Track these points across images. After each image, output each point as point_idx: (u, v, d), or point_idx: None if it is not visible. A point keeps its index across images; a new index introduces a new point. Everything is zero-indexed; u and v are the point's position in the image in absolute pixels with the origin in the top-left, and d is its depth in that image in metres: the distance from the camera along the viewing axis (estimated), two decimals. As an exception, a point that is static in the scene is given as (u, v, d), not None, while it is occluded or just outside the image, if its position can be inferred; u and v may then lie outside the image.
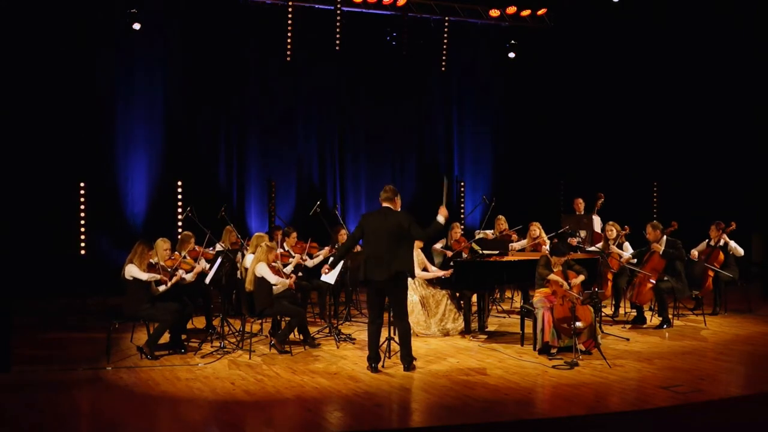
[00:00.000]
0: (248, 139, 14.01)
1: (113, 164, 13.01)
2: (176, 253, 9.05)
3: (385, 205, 7.57)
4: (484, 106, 15.81)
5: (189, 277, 8.72)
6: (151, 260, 8.35)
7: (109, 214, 12.87)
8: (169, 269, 8.45)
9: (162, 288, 8.27)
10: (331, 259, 8.52)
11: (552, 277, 8.30)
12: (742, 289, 11.00)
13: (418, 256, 9.33)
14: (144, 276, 8.03)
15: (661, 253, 9.65)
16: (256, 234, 9.13)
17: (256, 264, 8.31)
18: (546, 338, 8.09)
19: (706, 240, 10.90)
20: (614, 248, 10.29)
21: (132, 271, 8.04)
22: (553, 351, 8.10)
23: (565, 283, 8.20)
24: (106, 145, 12.97)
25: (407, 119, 15.34)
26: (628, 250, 10.35)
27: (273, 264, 8.50)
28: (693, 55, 14.47)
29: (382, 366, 7.61)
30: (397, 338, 7.67)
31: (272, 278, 8.28)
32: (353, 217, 14.25)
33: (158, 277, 8.16)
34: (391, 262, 7.33)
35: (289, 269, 9.26)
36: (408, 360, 7.50)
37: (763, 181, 14.06)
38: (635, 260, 10.14)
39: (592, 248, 10.30)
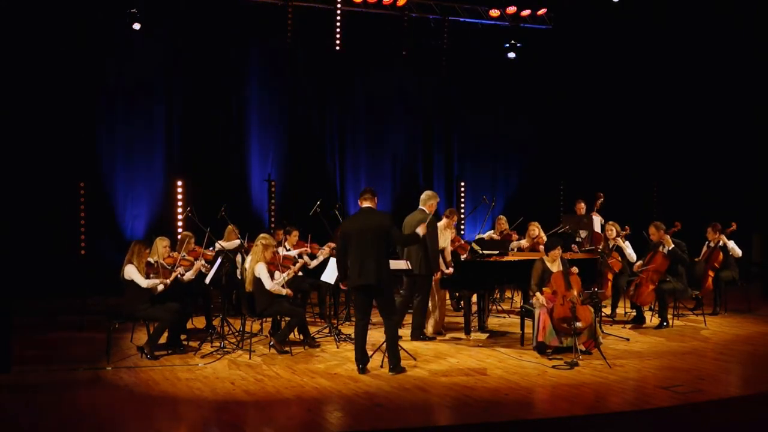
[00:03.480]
0: (248, 139, 14.01)
1: (113, 164, 13.01)
2: (175, 252, 9.05)
3: (366, 205, 7.60)
4: (484, 106, 15.79)
5: (189, 275, 8.70)
6: (150, 259, 8.36)
7: (109, 214, 12.88)
8: (168, 267, 8.44)
9: (161, 287, 8.26)
10: (334, 260, 8.58)
11: (537, 298, 8.26)
12: (742, 289, 11.01)
13: (446, 235, 9.35)
14: (144, 283, 8.02)
15: (669, 249, 9.62)
16: (261, 235, 9.11)
17: (254, 264, 8.32)
18: (540, 338, 8.08)
19: (706, 243, 10.91)
20: (626, 250, 10.27)
21: (131, 273, 8.03)
22: (549, 351, 8.10)
23: (546, 303, 8.16)
24: (107, 146, 12.97)
25: (407, 119, 15.34)
26: (627, 249, 10.34)
27: (272, 262, 8.49)
28: (693, 55, 14.47)
29: (381, 365, 7.60)
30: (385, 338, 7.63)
31: (268, 283, 8.26)
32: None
33: (158, 281, 8.15)
34: (378, 266, 7.33)
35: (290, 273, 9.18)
36: (394, 361, 7.44)
37: (763, 181, 14.07)
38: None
39: (596, 248, 10.31)
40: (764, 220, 13.67)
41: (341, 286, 8.08)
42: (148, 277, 8.13)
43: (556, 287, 8.20)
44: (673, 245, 9.64)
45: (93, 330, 9.50)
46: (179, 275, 8.51)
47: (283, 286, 8.43)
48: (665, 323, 9.69)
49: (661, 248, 9.73)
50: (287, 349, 8.29)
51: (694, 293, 10.26)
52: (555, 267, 8.38)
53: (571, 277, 8.25)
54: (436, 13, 15.02)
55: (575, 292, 8.09)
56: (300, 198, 13.89)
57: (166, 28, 13.17)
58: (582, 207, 12.04)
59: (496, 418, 6.13)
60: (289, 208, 13.77)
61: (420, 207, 8.90)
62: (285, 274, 8.56)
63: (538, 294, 8.28)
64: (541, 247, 10.62)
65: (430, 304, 9.25)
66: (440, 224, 9.22)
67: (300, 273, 9.82)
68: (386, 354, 7.68)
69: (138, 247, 8.18)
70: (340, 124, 14.77)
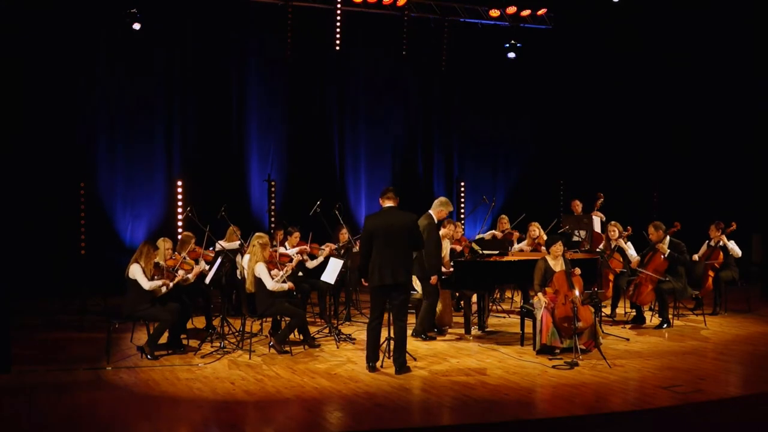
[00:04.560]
0: (248, 139, 14.02)
1: (114, 164, 13.01)
2: (177, 253, 9.06)
3: (388, 204, 7.57)
4: (484, 106, 15.80)
5: (190, 277, 8.71)
6: (157, 260, 8.37)
7: (110, 214, 12.89)
8: (171, 269, 8.45)
9: (164, 289, 8.26)
10: (334, 260, 8.60)
11: (539, 299, 8.24)
12: (742, 289, 11.00)
13: (445, 245, 9.43)
14: (147, 285, 8.01)
15: (666, 255, 9.64)
16: (256, 234, 9.12)
17: (254, 264, 8.31)
18: (543, 340, 8.08)
19: (706, 241, 10.91)
20: (628, 251, 10.27)
21: (136, 273, 8.02)
22: (557, 351, 8.09)
23: (548, 303, 8.15)
24: (107, 145, 12.98)
25: (407, 119, 15.34)
26: (629, 250, 10.34)
27: (270, 260, 8.49)
28: (693, 54, 14.47)
29: (381, 365, 7.61)
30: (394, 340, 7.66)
31: (270, 282, 8.25)
32: (353, 216, 14.26)
33: (160, 283, 8.13)
34: (405, 265, 7.39)
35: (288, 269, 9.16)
36: (399, 362, 7.47)
37: (763, 181, 14.06)
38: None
39: (598, 248, 10.31)
40: (764, 220, 13.67)
41: (363, 283, 8.02)
42: (153, 278, 8.13)
43: (558, 287, 8.19)
44: (668, 251, 9.63)
45: (93, 330, 9.51)
46: (183, 279, 8.51)
47: (283, 281, 8.43)
48: (666, 323, 9.68)
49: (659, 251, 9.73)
50: (287, 349, 8.29)
51: (694, 293, 10.26)
52: (558, 266, 8.36)
53: (574, 278, 8.24)
54: (436, 13, 15.02)
55: (577, 293, 8.08)
56: (300, 198, 13.91)
57: (167, 28, 13.17)
58: (578, 205, 12.04)
59: (496, 418, 6.13)
60: (289, 208, 13.78)
61: (429, 211, 8.95)
62: (284, 271, 8.56)
63: (540, 294, 8.27)
64: (543, 247, 10.66)
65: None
66: (441, 232, 9.22)
67: (300, 273, 9.83)
68: (389, 354, 7.70)
69: (147, 248, 8.18)
70: (340, 124, 14.77)
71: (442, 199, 9.14)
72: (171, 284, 8.26)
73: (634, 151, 15.41)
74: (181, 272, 8.52)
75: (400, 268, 7.34)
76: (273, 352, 8.32)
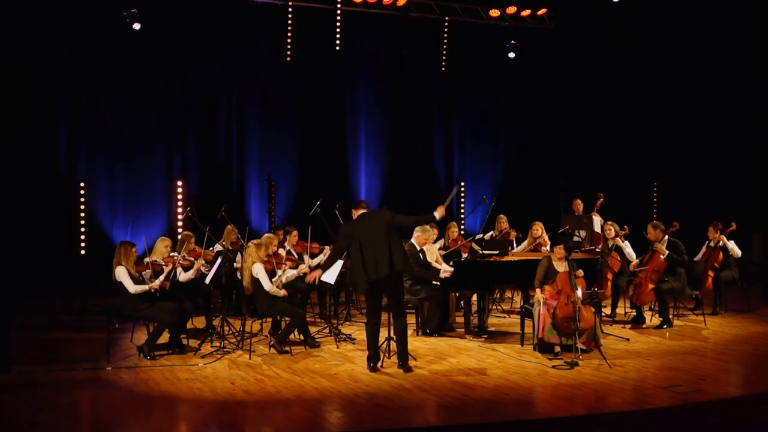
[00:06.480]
0: (248, 139, 14.01)
1: (114, 164, 13.00)
2: (175, 253, 9.04)
3: (361, 211, 7.71)
4: (484, 106, 15.80)
5: (188, 274, 8.67)
6: (146, 259, 8.33)
7: (110, 214, 12.88)
8: (162, 264, 8.38)
9: (158, 281, 8.20)
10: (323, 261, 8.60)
11: (537, 295, 8.26)
12: (742, 289, 11.00)
13: (431, 249, 9.42)
14: (132, 289, 7.95)
15: (665, 256, 9.63)
16: (266, 235, 9.09)
17: (251, 265, 8.30)
18: (540, 335, 8.09)
19: (706, 242, 10.91)
20: (625, 250, 10.27)
21: (122, 276, 7.97)
22: (557, 350, 8.09)
23: (546, 297, 8.16)
24: (107, 145, 12.96)
25: (407, 119, 15.34)
26: (627, 248, 10.34)
27: (267, 260, 8.47)
28: (693, 54, 14.47)
29: (381, 365, 7.61)
30: (395, 338, 7.67)
31: (267, 284, 8.24)
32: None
33: (146, 287, 8.06)
34: (390, 259, 7.38)
35: (293, 273, 9.12)
36: (404, 359, 7.51)
37: (763, 181, 14.06)
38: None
39: (597, 248, 10.31)
40: (764, 220, 13.67)
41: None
42: (139, 275, 8.10)
43: (561, 286, 8.18)
44: (667, 252, 9.63)
45: (93, 330, 9.50)
46: (173, 272, 8.43)
47: (278, 287, 8.40)
48: (666, 323, 9.69)
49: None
50: (287, 349, 8.29)
51: (694, 293, 10.26)
52: (561, 267, 8.36)
53: (577, 280, 8.24)
54: (436, 13, 15.02)
55: (579, 293, 8.08)
56: (300, 198, 13.93)
57: (166, 27, 13.16)
58: (579, 204, 12.03)
59: (496, 418, 6.13)
60: (289, 208, 13.78)
61: (411, 240, 9.12)
62: (282, 271, 8.54)
63: (537, 291, 8.28)
64: (544, 248, 10.65)
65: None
66: (415, 242, 9.21)
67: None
68: (389, 354, 7.70)
69: (124, 248, 8.12)
70: (340, 123, 14.77)
71: (424, 226, 9.17)
72: (158, 283, 8.17)
73: (633, 150, 15.41)
74: (167, 267, 8.39)
75: (389, 261, 7.35)
76: (273, 352, 8.32)
